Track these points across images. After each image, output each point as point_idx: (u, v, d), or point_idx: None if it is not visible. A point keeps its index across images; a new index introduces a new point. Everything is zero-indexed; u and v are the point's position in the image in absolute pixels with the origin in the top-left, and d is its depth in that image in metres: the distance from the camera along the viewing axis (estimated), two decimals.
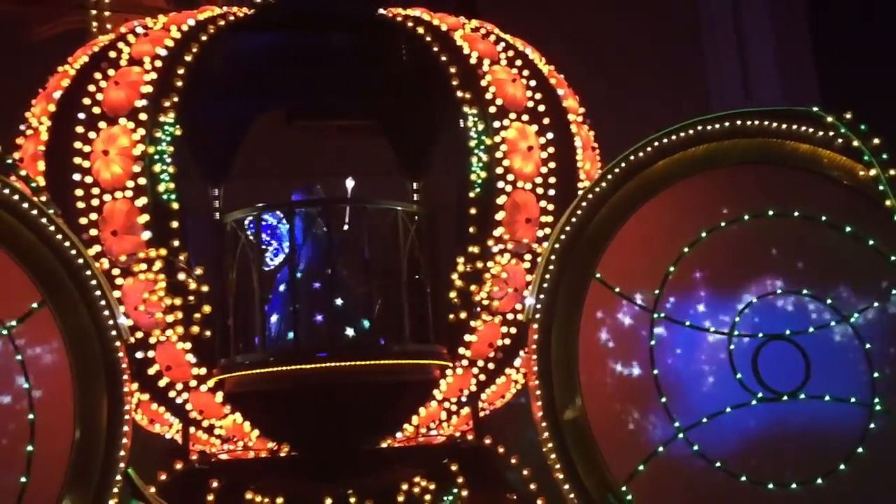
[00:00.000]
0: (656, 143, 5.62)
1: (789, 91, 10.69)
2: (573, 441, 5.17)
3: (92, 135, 5.54)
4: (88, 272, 4.95)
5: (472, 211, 5.71)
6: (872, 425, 5.43)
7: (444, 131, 6.41)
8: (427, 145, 6.86)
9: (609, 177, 5.54)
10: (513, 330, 5.96)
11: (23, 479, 4.66)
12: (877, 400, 5.46)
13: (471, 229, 5.70)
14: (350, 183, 5.96)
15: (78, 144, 5.54)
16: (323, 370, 5.39)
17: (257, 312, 5.49)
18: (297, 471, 5.50)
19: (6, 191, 4.93)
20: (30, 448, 4.70)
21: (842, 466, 5.36)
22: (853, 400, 5.46)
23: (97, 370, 4.86)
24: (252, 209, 5.52)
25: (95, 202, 5.46)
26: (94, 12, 7.72)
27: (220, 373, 5.54)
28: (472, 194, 5.74)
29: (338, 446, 5.68)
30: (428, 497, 5.41)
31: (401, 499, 5.37)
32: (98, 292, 4.93)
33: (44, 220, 4.96)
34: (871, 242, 5.64)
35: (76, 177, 5.49)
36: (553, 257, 5.39)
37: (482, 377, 6.07)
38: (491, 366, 6.07)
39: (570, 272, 5.40)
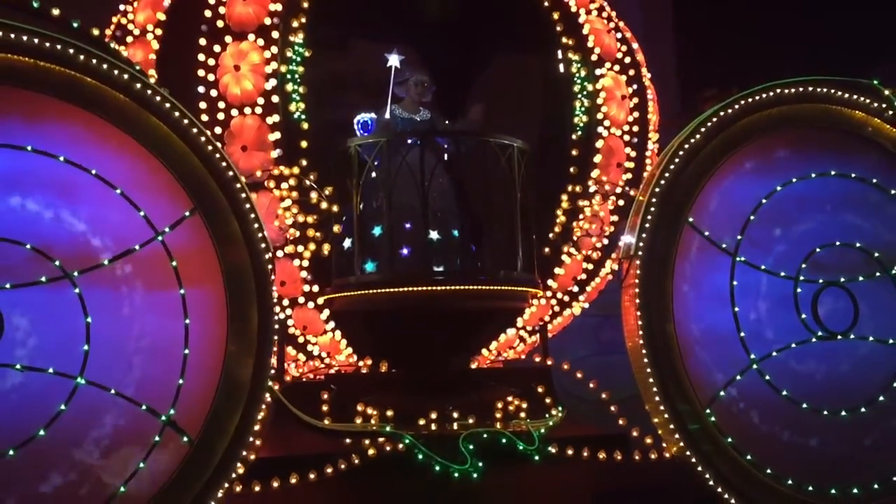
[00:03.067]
0: (742, 102, 6.14)
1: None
2: (665, 364, 5.70)
3: (217, 48, 5.54)
4: (237, 183, 5.02)
5: (574, 152, 6.06)
6: None
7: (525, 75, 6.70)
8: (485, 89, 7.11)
9: (702, 130, 6.02)
10: (589, 266, 6.43)
11: (179, 381, 4.77)
12: None
13: (571, 169, 6.06)
14: (395, 59, 6.01)
15: (201, 57, 5.53)
16: (429, 293, 5.64)
17: (369, 236, 5.68)
18: (404, 386, 5.78)
19: (158, 99, 4.91)
20: (186, 351, 4.80)
21: (881, 398, 6.15)
22: (891, 341, 6.24)
23: (247, 278, 4.95)
24: (379, 136, 5.67)
25: (221, 116, 5.49)
26: None
27: (333, 291, 5.73)
28: (574, 136, 6.08)
29: (432, 365, 6.00)
30: (522, 414, 5.82)
31: (498, 415, 5.76)
32: (247, 204, 5.02)
33: (195, 131, 4.98)
34: None
35: (200, 89, 5.50)
36: (654, 200, 5.83)
37: (556, 308, 6.53)
38: (566, 298, 6.53)
39: (666, 216, 5.87)
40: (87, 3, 5.76)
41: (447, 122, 6.18)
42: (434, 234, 5.51)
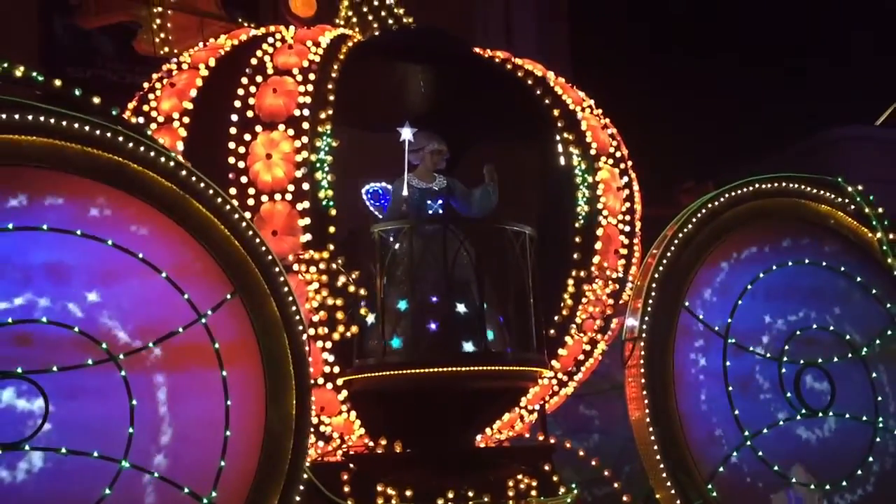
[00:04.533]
0: (727, 195, 6.65)
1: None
2: (669, 440, 6.01)
3: (247, 137, 5.72)
4: (276, 267, 5.16)
5: (577, 239, 6.40)
6: (878, 439, 6.70)
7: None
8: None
9: (693, 220, 6.49)
10: (587, 347, 6.73)
11: (221, 464, 4.78)
12: (881, 419, 6.75)
13: (575, 255, 6.40)
14: (408, 132, 6.16)
15: (232, 145, 5.70)
16: (454, 374, 5.80)
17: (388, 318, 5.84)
18: (420, 466, 5.88)
19: (202, 185, 5.06)
20: (227, 433, 4.83)
21: (858, 472, 6.57)
22: (864, 418, 6.70)
23: (285, 360, 5.04)
24: (402, 222, 5.89)
25: (251, 202, 5.63)
26: (156, 10, 7.72)
27: (353, 373, 5.84)
28: (577, 224, 6.44)
29: (444, 443, 6.13)
30: (533, 492, 5.98)
31: (511, 493, 5.91)
32: (285, 287, 5.15)
33: (236, 216, 5.12)
34: (873, 291, 6.97)
35: (231, 176, 5.64)
36: (654, 286, 6.23)
37: (556, 387, 6.78)
38: (564, 378, 6.80)
39: (665, 300, 6.26)
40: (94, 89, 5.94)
41: (460, 184, 6.40)
42: (461, 308, 5.71)
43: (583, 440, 8.95)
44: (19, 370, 4.44)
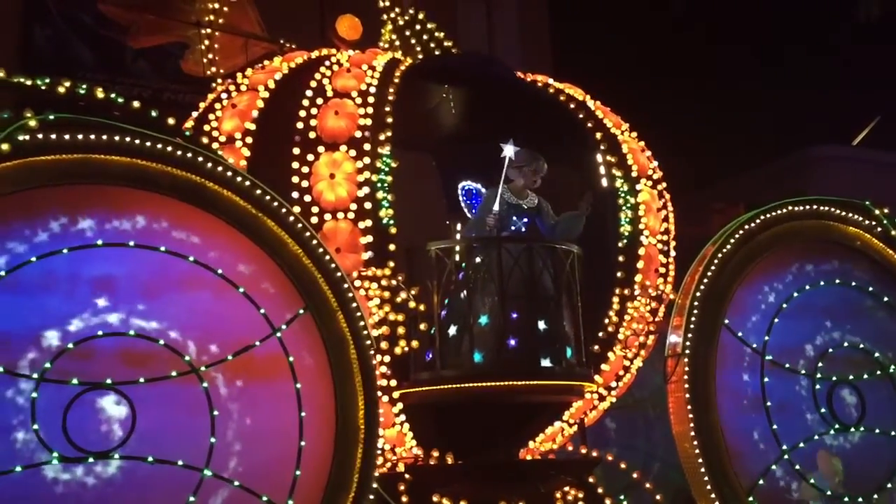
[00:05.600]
0: (762, 217, 6.90)
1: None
2: (712, 453, 6.22)
3: (310, 157, 5.91)
4: (346, 284, 5.33)
5: (620, 258, 6.63)
6: None
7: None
8: None
9: (731, 241, 6.73)
10: (626, 363, 6.94)
11: (297, 473, 4.94)
12: None
13: (619, 273, 6.63)
14: (510, 149, 6.29)
15: (295, 165, 5.89)
16: (497, 388, 6.00)
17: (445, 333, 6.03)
18: (473, 477, 6.05)
19: (275, 204, 5.24)
20: (302, 443, 4.99)
21: (889, 485, 6.80)
22: (893, 433, 6.94)
23: (353, 372, 5.21)
24: (460, 241, 6.10)
25: (314, 220, 5.80)
26: (205, 31, 7.90)
27: (409, 386, 6.01)
28: (620, 244, 6.66)
29: (493, 455, 6.30)
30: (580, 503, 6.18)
31: None
32: (354, 302, 5.32)
33: (307, 234, 5.30)
34: None
35: (294, 195, 5.83)
36: (696, 304, 6.46)
37: (596, 401, 6.97)
38: (604, 392, 6.99)
39: (706, 318, 6.49)
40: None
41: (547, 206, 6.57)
42: (542, 325, 5.90)
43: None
44: (108, 381, 4.60)
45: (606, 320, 6.51)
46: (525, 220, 6.47)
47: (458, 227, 6.95)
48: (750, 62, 16.21)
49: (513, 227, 6.40)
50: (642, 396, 8.28)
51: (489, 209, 6.28)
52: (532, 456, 6.69)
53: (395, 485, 5.78)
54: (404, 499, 5.73)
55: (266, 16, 8.05)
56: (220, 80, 7.22)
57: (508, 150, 6.28)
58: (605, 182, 6.83)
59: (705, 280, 6.52)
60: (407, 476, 5.87)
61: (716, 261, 6.59)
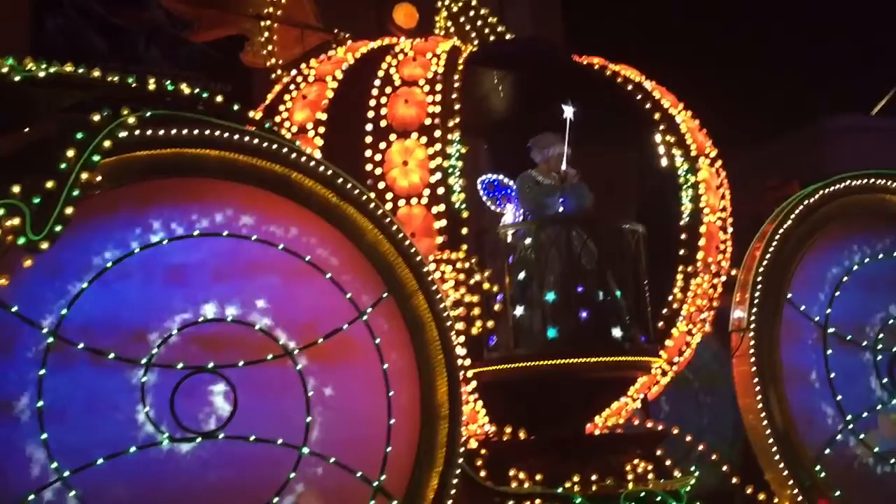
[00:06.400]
0: (821, 192, 7.00)
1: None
2: (779, 425, 6.38)
3: (382, 145, 6.08)
4: (425, 267, 5.51)
5: (683, 236, 6.76)
6: None
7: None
8: None
9: (792, 216, 6.84)
10: (688, 338, 7.09)
11: (388, 449, 5.16)
12: None
13: (681, 251, 6.76)
14: (570, 109, 6.39)
15: (368, 153, 6.07)
16: (570, 365, 6.18)
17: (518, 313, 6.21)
18: (545, 452, 6.24)
19: (357, 192, 5.42)
20: (392, 421, 5.20)
21: None
22: None
23: (436, 351, 5.39)
24: (529, 222, 6.26)
25: (388, 206, 5.97)
26: (264, 23, 8.08)
27: (483, 365, 6.20)
28: (681, 222, 6.79)
29: (563, 430, 6.49)
30: (650, 476, 6.33)
31: (630, 477, 6.26)
32: (433, 285, 5.51)
33: (388, 220, 5.48)
34: None
35: (368, 182, 6.00)
36: (760, 279, 6.59)
37: (659, 377, 7.13)
38: (666, 367, 7.15)
39: (769, 293, 6.62)
40: None
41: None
42: (602, 299, 6.07)
43: None
44: (210, 365, 4.82)
45: (670, 297, 6.65)
46: (561, 199, 6.62)
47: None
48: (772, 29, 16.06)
49: (551, 210, 6.55)
50: (689, 372, 8.43)
51: (540, 191, 6.43)
52: (598, 431, 6.88)
53: (472, 460, 5.98)
54: (482, 473, 5.93)
55: (321, 5, 8.22)
56: (280, 72, 7.42)
57: (568, 112, 6.41)
58: (664, 162, 6.95)
59: (767, 256, 6.64)
60: (483, 452, 6.07)
61: (777, 236, 6.70)
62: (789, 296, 6.66)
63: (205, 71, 11.11)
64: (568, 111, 6.32)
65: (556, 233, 6.15)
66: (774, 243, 6.67)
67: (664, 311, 6.67)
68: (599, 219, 6.42)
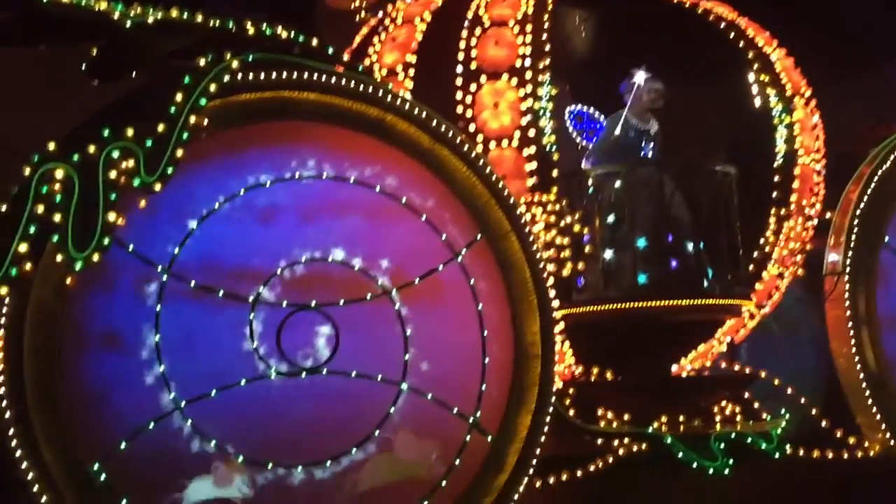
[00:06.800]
0: None
1: None
2: (872, 368, 6.33)
3: (473, 87, 6.09)
4: (518, 209, 5.55)
5: (776, 178, 6.65)
6: None
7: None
8: None
9: (891, 157, 6.67)
10: (778, 282, 7.01)
11: (482, 387, 5.28)
12: None
13: (774, 194, 6.65)
14: (641, 76, 6.46)
15: (459, 95, 6.08)
16: (659, 308, 6.19)
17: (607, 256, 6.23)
18: (633, 392, 6.31)
19: (451, 134, 5.43)
20: (486, 360, 5.31)
21: None
22: None
23: (529, 292, 5.44)
24: (621, 165, 6.24)
25: (479, 149, 6.00)
26: None
27: (571, 307, 6.25)
28: (775, 164, 6.67)
29: (648, 373, 6.53)
30: (738, 417, 6.36)
31: (718, 418, 6.29)
32: (527, 227, 5.54)
33: (481, 162, 5.51)
34: None
35: (458, 125, 6.03)
36: (856, 222, 6.47)
37: (747, 320, 7.09)
38: (755, 311, 7.10)
39: (866, 236, 6.50)
40: None
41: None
42: (690, 246, 6.05)
43: None
44: (313, 303, 4.98)
45: (762, 240, 6.58)
46: (652, 143, 6.54)
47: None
48: None
49: (642, 154, 6.50)
50: (769, 316, 8.34)
51: (615, 134, 6.37)
52: (685, 373, 6.90)
53: (560, 399, 6.07)
54: (571, 412, 6.03)
55: None
56: (364, 14, 7.43)
57: (639, 77, 6.34)
58: (758, 102, 6.80)
59: (864, 199, 6.49)
60: (570, 391, 6.16)
61: (875, 179, 6.54)
62: (886, 240, 6.51)
63: (265, 13, 11.18)
64: (639, 76, 6.23)
65: (647, 176, 6.11)
66: (872, 186, 6.52)
67: (755, 253, 6.61)
68: (692, 161, 6.34)
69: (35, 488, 4.24)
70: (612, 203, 6.19)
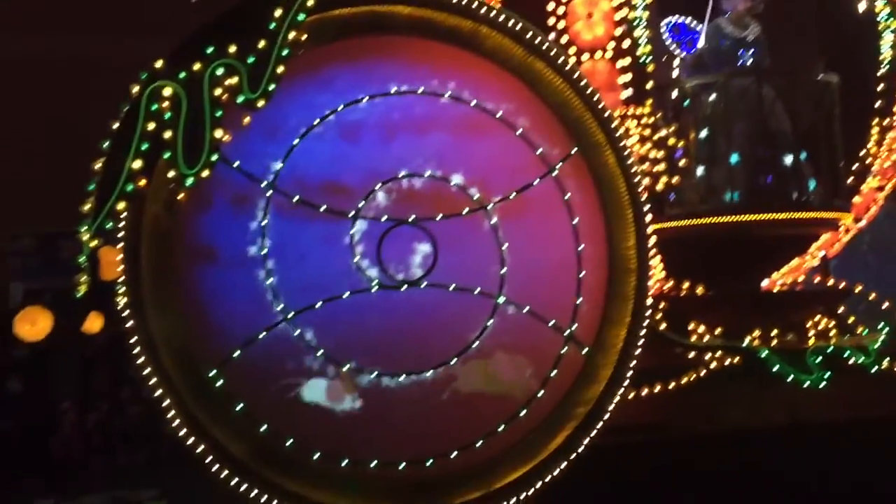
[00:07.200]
0: None
1: None
2: None
3: None
4: (613, 122, 5.48)
5: (880, 87, 6.41)
6: None
7: None
8: None
9: None
10: (877, 195, 6.81)
11: (578, 300, 5.33)
12: None
13: (878, 103, 6.41)
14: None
15: (551, 6, 5.97)
16: (754, 222, 6.11)
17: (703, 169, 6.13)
18: (726, 306, 6.29)
19: (545, 46, 5.36)
20: (582, 273, 5.35)
21: None
22: None
23: (625, 206, 5.40)
24: (718, 75, 6.08)
25: (573, 61, 5.92)
26: None
27: (663, 221, 6.21)
28: (879, 72, 6.42)
29: (740, 287, 6.49)
30: (832, 332, 6.30)
31: (811, 333, 6.24)
32: (622, 140, 5.48)
33: (576, 75, 5.43)
34: None
35: (551, 36, 5.94)
36: None
37: (841, 234, 6.94)
38: (851, 224, 6.93)
39: None
40: None
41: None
42: (787, 159, 5.91)
43: None
44: (412, 218, 5.05)
45: (863, 152, 6.38)
46: (752, 51, 6.31)
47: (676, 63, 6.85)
48: None
49: (740, 63, 6.29)
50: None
51: (712, 44, 6.17)
52: (777, 287, 6.83)
53: (652, 313, 6.08)
54: (663, 326, 6.05)
55: None
56: None
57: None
58: (862, 6, 6.49)
59: None
60: (662, 305, 6.16)
61: None
62: None
63: None
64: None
65: (745, 86, 5.94)
66: None
67: (855, 165, 6.42)
68: (792, 69, 6.13)
69: (158, 393, 4.49)
70: (707, 115, 6.05)
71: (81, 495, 7.29)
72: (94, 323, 6.05)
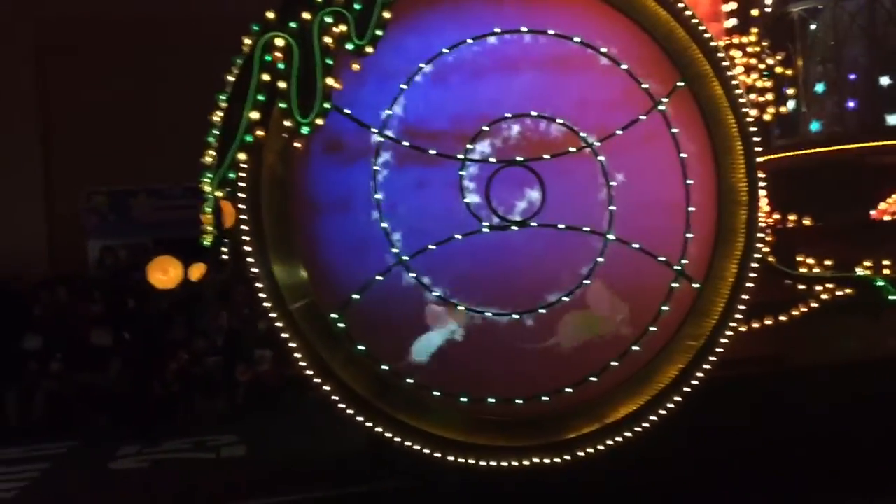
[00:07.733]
0: None
1: None
2: None
3: None
4: (719, 53, 5.35)
5: None
6: None
7: None
8: None
9: None
10: None
11: (688, 235, 5.28)
12: None
13: None
14: None
15: None
16: (863, 149, 5.94)
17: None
18: (835, 238, 6.15)
19: None
20: (691, 209, 5.29)
21: None
22: None
23: (733, 138, 5.29)
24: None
25: None
26: None
27: (771, 152, 6.07)
28: None
29: (848, 218, 6.33)
30: None
31: None
32: (729, 71, 5.35)
33: (681, 5, 5.30)
34: None
35: None
36: None
37: None
38: None
39: None
40: None
41: None
42: (885, 80, 5.70)
43: None
44: (519, 158, 5.05)
45: None
46: None
47: None
48: None
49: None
50: None
51: None
52: (886, 216, 6.63)
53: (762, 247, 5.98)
54: (770, 259, 5.94)
55: None
56: None
57: None
58: None
59: None
60: (769, 238, 6.04)
61: None
62: None
63: None
64: None
65: (856, 9, 5.71)
66: None
67: None
68: None
69: (285, 336, 4.64)
70: (816, 42, 5.85)
71: (164, 441, 7.59)
72: (195, 272, 6.22)
